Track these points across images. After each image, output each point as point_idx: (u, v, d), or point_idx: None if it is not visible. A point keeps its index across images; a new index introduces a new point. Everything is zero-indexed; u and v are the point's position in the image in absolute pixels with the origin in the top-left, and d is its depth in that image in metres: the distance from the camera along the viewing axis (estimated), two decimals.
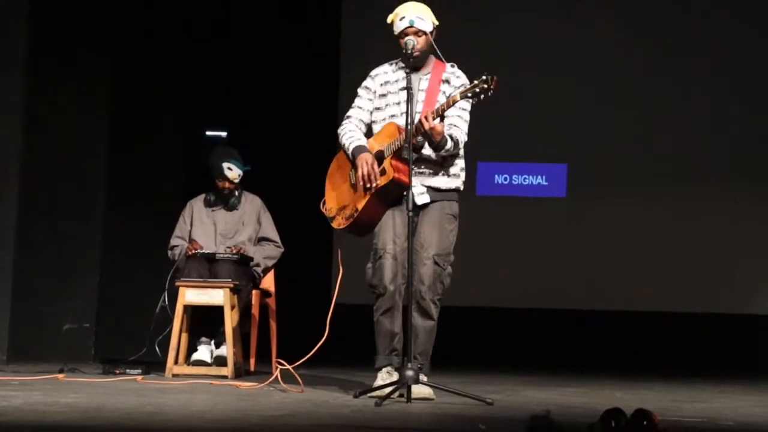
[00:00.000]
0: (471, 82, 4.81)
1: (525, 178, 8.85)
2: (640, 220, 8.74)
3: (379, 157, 4.94)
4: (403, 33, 5.00)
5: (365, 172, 4.88)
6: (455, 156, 5.04)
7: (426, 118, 4.75)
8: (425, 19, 5.01)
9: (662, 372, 7.43)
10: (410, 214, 4.64)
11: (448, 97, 4.91)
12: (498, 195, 8.85)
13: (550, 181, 8.83)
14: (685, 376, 7.12)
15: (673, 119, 8.77)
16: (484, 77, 4.70)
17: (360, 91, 5.22)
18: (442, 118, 4.85)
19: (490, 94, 4.71)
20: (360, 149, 4.98)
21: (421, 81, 5.03)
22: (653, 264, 8.65)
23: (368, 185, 4.89)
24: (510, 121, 8.67)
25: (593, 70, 8.83)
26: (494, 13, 8.87)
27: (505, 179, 8.87)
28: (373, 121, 5.17)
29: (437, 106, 4.86)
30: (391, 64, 5.20)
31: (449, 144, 4.88)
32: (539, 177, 8.85)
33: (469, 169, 5.21)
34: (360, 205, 4.94)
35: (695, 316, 8.52)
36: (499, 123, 8.40)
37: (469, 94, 4.74)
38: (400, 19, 5.01)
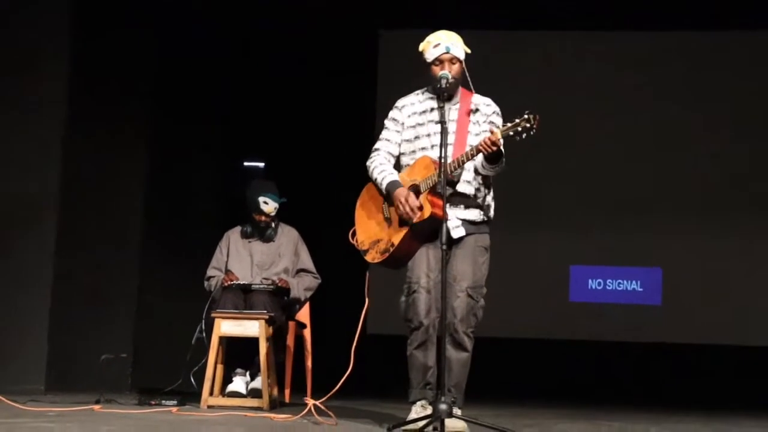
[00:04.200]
0: (512, 120, 4.72)
1: (620, 283, 8.70)
2: None
3: (415, 191, 4.91)
4: (438, 60, 4.95)
5: (405, 210, 4.84)
6: (489, 187, 5.02)
7: (493, 134, 4.69)
8: (459, 47, 4.98)
9: (699, 405, 7.37)
10: (444, 248, 4.59)
11: (484, 129, 4.89)
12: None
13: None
14: (722, 409, 7.06)
15: None
16: (526, 116, 4.63)
17: (387, 123, 5.17)
18: (462, 163, 4.80)
19: (532, 133, 4.63)
20: (394, 185, 4.94)
21: (451, 111, 4.99)
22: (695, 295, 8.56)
23: (408, 221, 4.85)
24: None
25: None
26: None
27: (599, 284, 8.72)
28: (402, 153, 5.13)
29: (468, 148, 4.82)
30: (418, 93, 5.16)
31: (503, 163, 4.85)
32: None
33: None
34: (396, 240, 4.91)
35: (728, 349, 8.47)
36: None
37: (511, 132, 4.66)
38: (434, 47, 4.96)
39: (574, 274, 8.77)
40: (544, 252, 8.73)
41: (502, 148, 4.75)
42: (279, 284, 6.41)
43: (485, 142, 4.68)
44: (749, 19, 8.35)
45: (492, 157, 4.76)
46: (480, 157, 4.83)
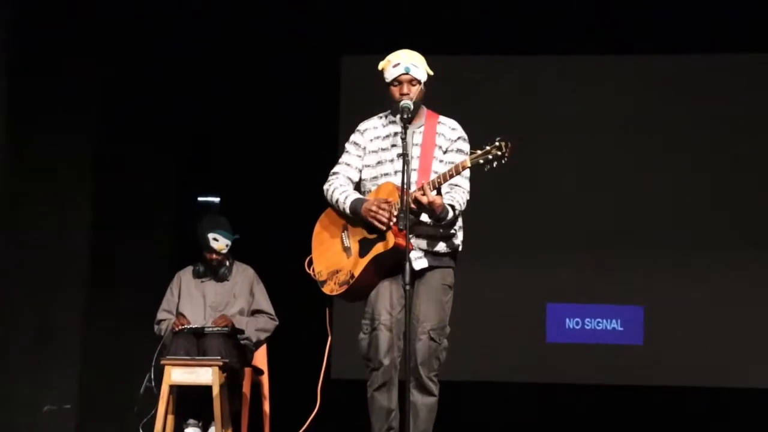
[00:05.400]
0: (482, 147, 4.55)
1: (599, 322, 8.54)
2: None
3: None
4: (397, 80, 4.78)
5: (380, 216, 4.60)
6: (456, 216, 4.81)
7: (423, 193, 4.52)
8: (420, 68, 4.80)
9: None
10: (407, 287, 4.42)
11: (450, 160, 4.72)
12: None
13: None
14: None
15: None
16: (497, 143, 4.48)
17: (348, 146, 4.97)
18: (439, 191, 4.61)
19: (504, 162, 4.48)
20: (360, 201, 4.74)
21: (415, 135, 4.80)
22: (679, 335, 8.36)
23: (392, 221, 4.61)
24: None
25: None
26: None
27: (577, 323, 8.57)
28: (363, 179, 4.92)
29: (433, 177, 4.63)
30: (381, 117, 4.98)
31: (450, 214, 4.67)
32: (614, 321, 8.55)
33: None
34: (357, 271, 4.70)
35: (716, 391, 8.25)
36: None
37: (481, 161, 4.50)
38: (394, 66, 4.78)
39: (551, 312, 8.56)
40: (518, 288, 8.50)
41: (447, 205, 4.61)
42: (222, 324, 6.29)
43: (415, 200, 4.52)
44: (739, 43, 8.27)
45: (434, 216, 4.61)
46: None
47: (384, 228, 4.60)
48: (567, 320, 8.53)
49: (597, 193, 8.53)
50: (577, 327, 8.51)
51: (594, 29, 8.21)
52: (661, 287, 8.35)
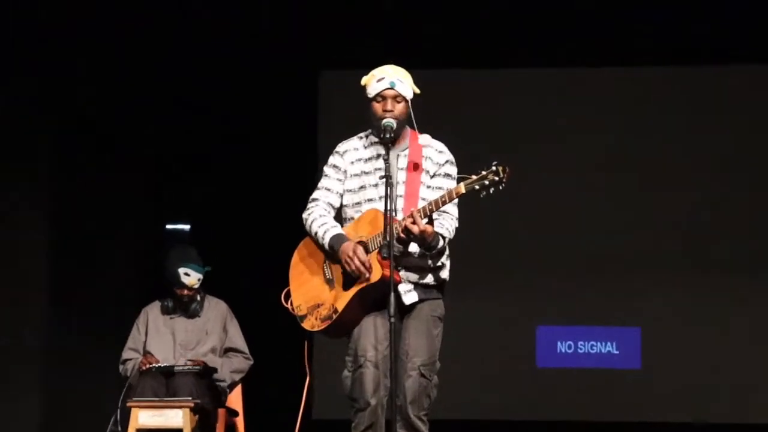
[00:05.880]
0: (477, 172, 4.42)
1: (593, 345, 8.51)
2: None
3: (363, 248, 4.59)
4: (380, 96, 4.64)
5: (355, 267, 4.51)
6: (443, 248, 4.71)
7: (414, 221, 4.40)
8: (405, 84, 4.67)
9: None
10: (393, 320, 4.35)
11: (438, 185, 4.62)
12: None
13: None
14: None
15: None
16: (494, 168, 4.36)
17: (327, 170, 4.83)
18: (431, 219, 4.48)
19: (501, 187, 4.37)
20: (339, 239, 4.62)
21: (399, 158, 4.68)
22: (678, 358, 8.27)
23: (363, 278, 4.54)
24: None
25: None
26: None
27: (569, 347, 8.54)
28: (345, 205, 4.78)
29: (422, 204, 4.51)
30: (362, 137, 4.82)
31: (440, 243, 4.57)
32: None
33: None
34: (340, 305, 4.60)
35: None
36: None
37: (476, 186, 4.39)
38: (378, 80, 4.64)
39: (541, 336, 8.49)
40: (507, 311, 8.41)
41: (437, 233, 4.52)
42: (195, 364, 6.15)
43: (405, 228, 4.42)
44: (741, 55, 8.26)
45: (425, 245, 4.52)
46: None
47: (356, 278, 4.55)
48: (558, 344, 8.50)
49: (588, 211, 8.48)
50: (570, 351, 8.49)
51: (583, 41, 8.23)
52: (659, 307, 8.31)
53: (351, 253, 4.51)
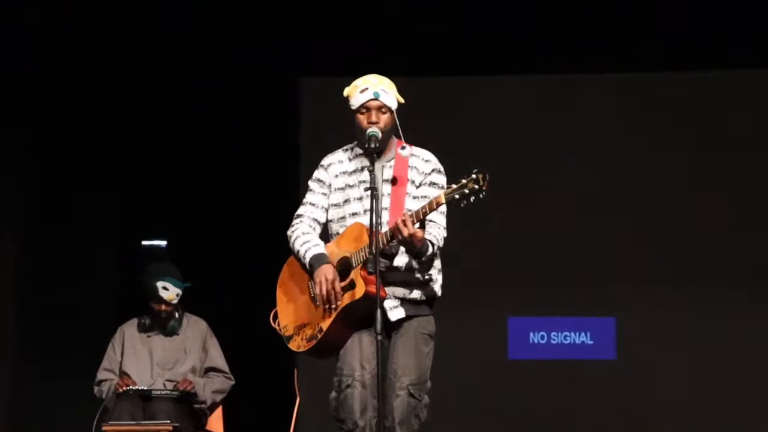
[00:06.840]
0: (458, 180, 4.39)
1: (566, 336, 8.46)
2: None
3: (346, 264, 4.55)
4: (364, 107, 4.59)
5: (324, 292, 4.50)
6: (432, 257, 4.64)
7: (404, 223, 4.34)
8: (390, 94, 4.62)
9: None
10: (379, 338, 4.30)
11: (424, 194, 4.57)
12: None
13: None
14: None
15: None
16: (474, 175, 4.34)
17: (311, 184, 4.78)
18: (423, 224, 4.45)
19: (482, 195, 4.35)
20: (319, 259, 4.58)
21: (384, 169, 4.64)
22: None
23: (329, 306, 4.52)
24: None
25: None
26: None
27: (542, 337, 8.49)
28: (330, 220, 4.74)
29: (412, 210, 4.46)
30: (346, 150, 4.77)
31: (430, 250, 4.53)
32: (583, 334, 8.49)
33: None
34: (325, 325, 4.55)
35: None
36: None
37: (456, 196, 4.36)
38: (361, 91, 4.59)
39: (513, 326, 8.44)
40: (477, 302, 8.29)
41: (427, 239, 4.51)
42: (182, 387, 6.06)
43: (392, 232, 4.40)
44: (726, 59, 8.22)
45: (414, 250, 4.50)
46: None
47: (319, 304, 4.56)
48: (531, 334, 8.45)
49: (562, 202, 8.39)
50: (542, 341, 8.44)
51: (573, 48, 8.17)
52: (632, 296, 8.28)
53: (322, 279, 4.49)
